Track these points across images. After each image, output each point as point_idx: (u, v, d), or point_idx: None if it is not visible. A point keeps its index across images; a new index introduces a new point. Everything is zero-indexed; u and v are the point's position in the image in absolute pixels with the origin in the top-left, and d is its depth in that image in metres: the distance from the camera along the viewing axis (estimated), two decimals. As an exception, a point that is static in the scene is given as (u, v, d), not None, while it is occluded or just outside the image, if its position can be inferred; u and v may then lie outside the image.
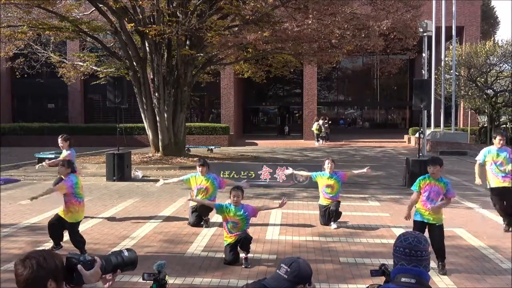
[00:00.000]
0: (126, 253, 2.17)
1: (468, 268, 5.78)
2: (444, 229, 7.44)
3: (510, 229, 7.51)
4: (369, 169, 8.45)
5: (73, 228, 6.28)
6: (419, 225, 5.71)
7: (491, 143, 8.23)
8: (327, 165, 7.95)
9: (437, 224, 5.67)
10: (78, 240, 6.22)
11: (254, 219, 8.01)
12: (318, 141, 27.74)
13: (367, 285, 2.45)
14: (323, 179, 7.90)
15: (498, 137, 7.58)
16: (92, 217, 8.30)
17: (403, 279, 2.23)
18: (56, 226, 6.29)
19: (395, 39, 16.38)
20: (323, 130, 28.07)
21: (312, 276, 2.33)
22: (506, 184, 7.40)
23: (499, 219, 8.31)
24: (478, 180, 7.87)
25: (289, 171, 9.37)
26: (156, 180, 12.76)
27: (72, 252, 2.11)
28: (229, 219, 5.98)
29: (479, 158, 7.76)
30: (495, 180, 7.48)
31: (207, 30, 14.21)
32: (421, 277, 2.23)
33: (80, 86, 30.06)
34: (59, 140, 8.65)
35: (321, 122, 28.46)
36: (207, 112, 34.04)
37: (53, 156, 15.67)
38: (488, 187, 7.77)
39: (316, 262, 5.87)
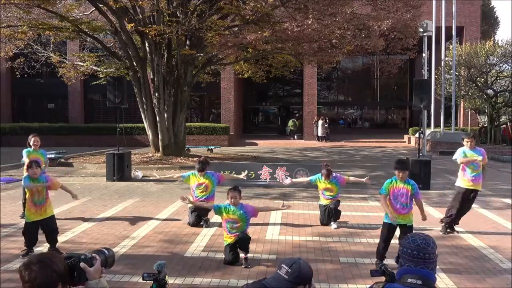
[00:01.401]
0: (107, 252, 2.22)
1: (468, 268, 5.78)
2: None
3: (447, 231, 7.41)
4: (369, 180, 8.22)
5: (55, 219, 6.45)
6: (388, 227, 5.75)
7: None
8: (323, 169, 7.98)
9: (408, 225, 5.73)
10: (56, 230, 6.34)
11: (254, 218, 8.03)
12: (293, 137, 29.97)
13: (371, 284, 2.44)
14: (321, 183, 7.94)
15: (466, 139, 7.49)
16: (92, 218, 8.31)
17: (409, 280, 2.23)
18: (35, 232, 6.21)
19: (395, 38, 16.39)
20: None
21: (313, 277, 2.33)
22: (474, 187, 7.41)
23: (499, 219, 8.32)
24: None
25: (288, 180, 8.86)
26: (157, 180, 12.86)
27: (69, 252, 2.13)
28: (228, 218, 5.97)
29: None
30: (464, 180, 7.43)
31: (207, 30, 14.22)
32: (427, 279, 2.23)
33: (80, 86, 30.05)
34: (36, 138, 8.16)
35: (320, 122, 28.52)
36: (207, 112, 34.03)
37: (53, 156, 15.70)
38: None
39: (316, 262, 5.87)
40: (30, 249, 6.16)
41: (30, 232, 6.18)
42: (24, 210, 8.02)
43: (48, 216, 6.28)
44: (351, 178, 8.54)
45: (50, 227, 6.29)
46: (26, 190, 6.41)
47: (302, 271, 2.27)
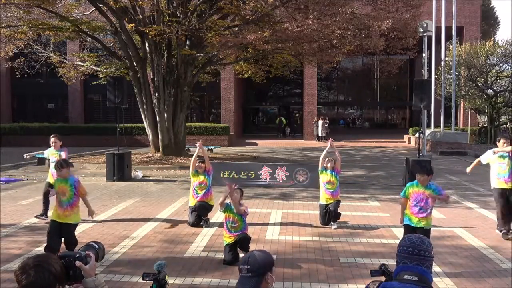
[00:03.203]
0: (96, 246, 2.22)
1: (468, 268, 5.78)
2: (444, 229, 7.56)
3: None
4: (331, 141, 8.67)
5: (74, 229, 6.05)
6: (410, 229, 5.74)
7: (491, 143, 8.20)
8: (327, 163, 8.02)
9: (424, 228, 5.73)
10: (74, 243, 5.87)
11: (254, 219, 8.03)
12: (279, 135, 32.36)
13: (368, 283, 2.45)
14: (326, 175, 7.98)
15: (502, 140, 7.45)
16: (91, 218, 8.29)
17: (405, 276, 2.24)
18: (54, 232, 5.82)
19: (395, 38, 16.38)
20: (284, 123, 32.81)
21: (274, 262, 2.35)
22: (508, 186, 7.29)
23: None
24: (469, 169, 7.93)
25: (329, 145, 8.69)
26: (157, 180, 12.87)
27: (63, 252, 2.13)
28: (228, 218, 6.04)
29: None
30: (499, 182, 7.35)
31: (207, 30, 14.21)
32: (423, 276, 2.23)
33: (80, 86, 30.05)
34: (55, 138, 8.10)
35: (320, 122, 28.54)
36: (207, 112, 34.03)
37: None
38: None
39: (316, 262, 5.87)
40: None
41: (50, 229, 5.87)
42: (43, 207, 7.99)
43: (66, 222, 5.84)
44: (337, 162, 8.23)
45: (66, 237, 5.84)
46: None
47: (260, 259, 2.29)
